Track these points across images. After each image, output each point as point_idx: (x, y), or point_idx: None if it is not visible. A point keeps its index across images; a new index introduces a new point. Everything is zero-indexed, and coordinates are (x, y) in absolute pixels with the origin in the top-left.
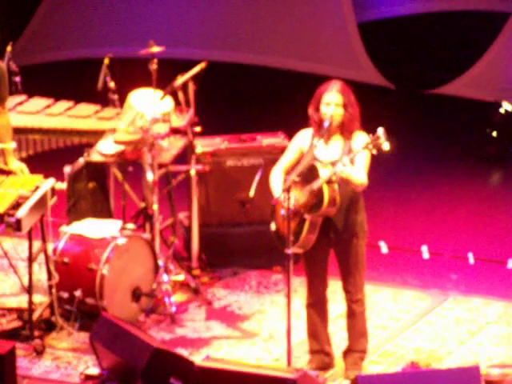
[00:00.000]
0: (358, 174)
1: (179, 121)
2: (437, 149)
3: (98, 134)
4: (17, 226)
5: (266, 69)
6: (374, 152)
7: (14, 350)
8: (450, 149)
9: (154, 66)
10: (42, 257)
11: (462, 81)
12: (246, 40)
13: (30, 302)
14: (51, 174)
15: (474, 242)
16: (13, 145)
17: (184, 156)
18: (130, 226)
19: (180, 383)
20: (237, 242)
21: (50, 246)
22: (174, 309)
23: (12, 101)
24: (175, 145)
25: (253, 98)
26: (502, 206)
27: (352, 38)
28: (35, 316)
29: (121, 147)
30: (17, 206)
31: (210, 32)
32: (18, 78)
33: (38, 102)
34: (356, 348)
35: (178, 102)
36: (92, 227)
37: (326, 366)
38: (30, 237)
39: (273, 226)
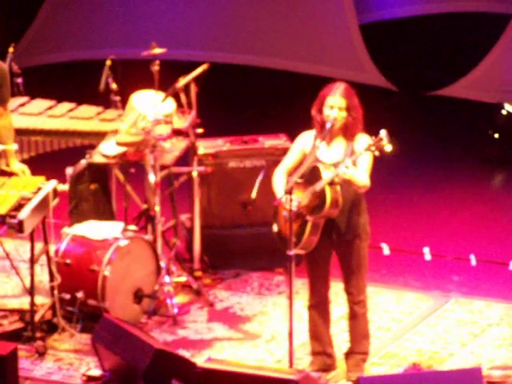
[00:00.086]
0: (361, 175)
1: (181, 122)
2: (439, 150)
3: (100, 136)
4: (19, 227)
5: (268, 70)
6: (377, 154)
7: (16, 352)
8: (451, 150)
9: (155, 68)
10: (43, 258)
11: (464, 82)
12: (248, 42)
13: (32, 304)
14: (53, 176)
15: (475, 244)
16: (14, 146)
17: (186, 157)
18: (132, 227)
19: None
20: (239, 244)
21: (52, 248)
22: (175, 310)
23: (14, 102)
24: (177, 146)
25: (255, 100)
26: (504, 208)
27: (354, 39)
28: (37, 317)
29: (123, 149)
30: (19, 207)
31: (212, 33)
32: (20, 80)
33: (40, 104)
34: (358, 350)
35: (179, 104)
36: (94, 229)
37: (328, 368)
38: (32, 238)
39: (275, 228)
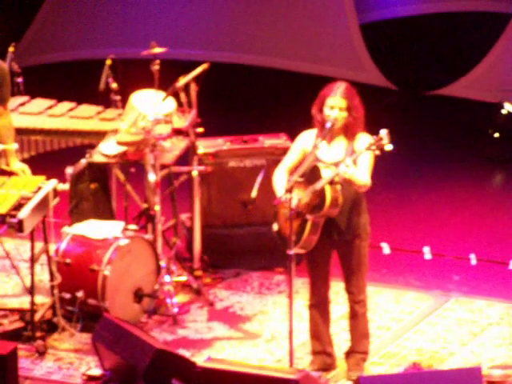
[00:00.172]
0: (361, 175)
1: (181, 122)
2: (439, 150)
3: (100, 135)
4: (19, 226)
5: (268, 70)
6: (377, 153)
7: (16, 351)
8: (451, 150)
9: (156, 67)
10: (44, 258)
11: (464, 82)
12: (249, 41)
13: (32, 303)
14: (53, 175)
15: (476, 243)
16: (15, 146)
17: (186, 157)
18: (132, 226)
19: None
20: (239, 243)
21: (52, 247)
22: (176, 310)
23: (14, 102)
24: (177, 146)
25: (255, 99)
26: (505, 207)
27: (354, 39)
28: (37, 317)
29: (123, 148)
30: (19, 206)
31: (212, 33)
32: (20, 79)
33: (40, 103)
34: (358, 349)
35: (180, 103)
36: (94, 228)
37: (328, 367)
38: (32, 238)
39: (275, 227)
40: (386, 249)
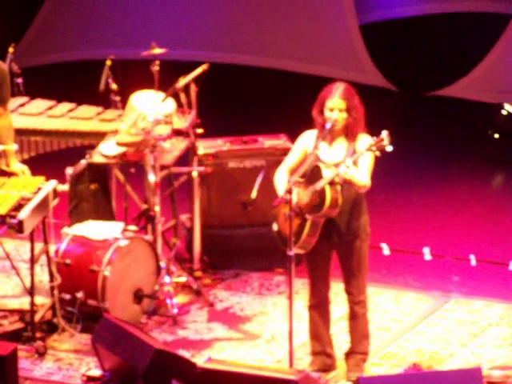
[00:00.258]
0: (361, 175)
1: (181, 122)
2: (438, 150)
3: (100, 136)
4: (19, 227)
5: (268, 70)
6: (378, 154)
7: (16, 352)
8: (451, 151)
9: (155, 68)
10: (43, 258)
11: (464, 83)
12: (248, 42)
13: (32, 304)
14: (53, 176)
15: (475, 244)
16: (14, 146)
17: (186, 158)
18: (132, 227)
19: None
20: (239, 244)
21: (52, 248)
22: (175, 310)
23: (14, 102)
24: (177, 146)
25: (255, 100)
26: (504, 208)
27: (354, 39)
28: (37, 317)
29: (123, 149)
30: (19, 207)
31: (212, 34)
32: (20, 80)
33: (40, 104)
34: (358, 350)
35: (179, 104)
36: (94, 229)
37: (328, 368)
38: (31, 238)
39: (275, 227)
40: (385, 249)
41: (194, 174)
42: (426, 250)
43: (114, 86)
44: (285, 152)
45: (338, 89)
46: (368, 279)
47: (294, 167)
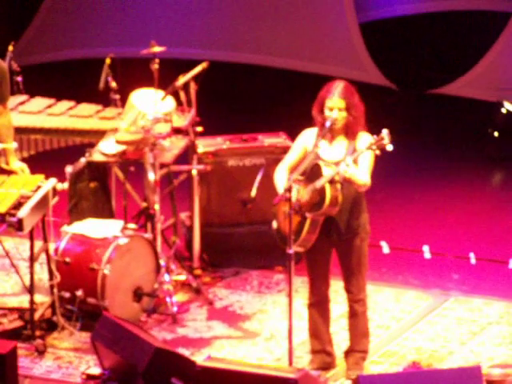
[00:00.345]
0: (361, 174)
1: (181, 121)
2: (438, 149)
3: (100, 134)
4: (18, 225)
5: (268, 69)
6: (378, 153)
7: (16, 350)
8: (451, 149)
9: (155, 66)
10: (43, 256)
11: (464, 81)
12: (248, 40)
13: (32, 302)
14: (53, 174)
15: (475, 242)
16: (14, 145)
17: (186, 156)
18: (132, 225)
19: (181, 383)
20: (238, 242)
21: (52, 246)
22: (175, 309)
23: (14, 100)
24: (177, 145)
25: (254, 98)
26: (504, 206)
27: (354, 38)
28: (37, 316)
29: (122, 147)
30: (18, 205)
31: (212, 32)
32: (19, 78)
33: (40, 102)
34: (358, 348)
35: (179, 102)
36: (93, 227)
37: (328, 366)
38: (31, 237)
39: (274, 224)
40: (385, 248)
41: (194, 172)
42: (426, 249)
43: (113, 84)
44: (284, 150)
45: (338, 88)
46: (368, 277)
47: (294, 165)
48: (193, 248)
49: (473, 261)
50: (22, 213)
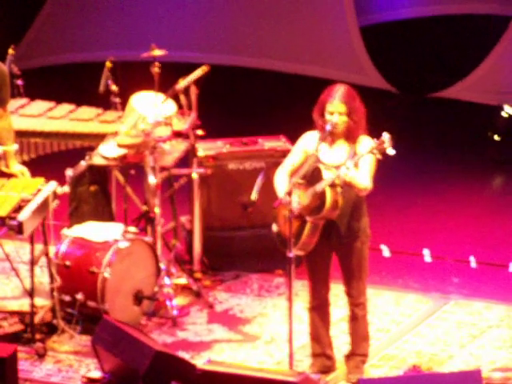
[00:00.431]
0: (362, 178)
1: (181, 124)
2: (439, 152)
3: (100, 137)
4: (19, 229)
5: (268, 72)
6: (379, 156)
7: (16, 353)
8: (451, 152)
9: (156, 70)
10: (43, 260)
11: (464, 84)
12: (248, 44)
13: (32, 305)
14: (53, 177)
15: (475, 246)
16: (15, 146)
17: (186, 159)
18: (132, 229)
19: None
20: (239, 246)
21: (52, 249)
22: (175, 312)
23: (14, 104)
24: (177, 148)
25: (255, 102)
26: (504, 210)
27: (354, 41)
28: (37, 319)
29: (123, 150)
30: (19, 209)
31: (212, 35)
32: (19, 81)
33: (40, 105)
34: (358, 352)
35: (180, 106)
36: (94, 230)
37: (328, 370)
38: (31, 240)
39: (274, 228)
40: (385, 251)
41: (194, 175)
42: (426, 252)
43: (113, 88)
44: (284, 153)
45: (339, 92)
46: (368, 281)
47: (295, 169)
48: (193, 251)
49: (473, 264)
50: (23, 216)
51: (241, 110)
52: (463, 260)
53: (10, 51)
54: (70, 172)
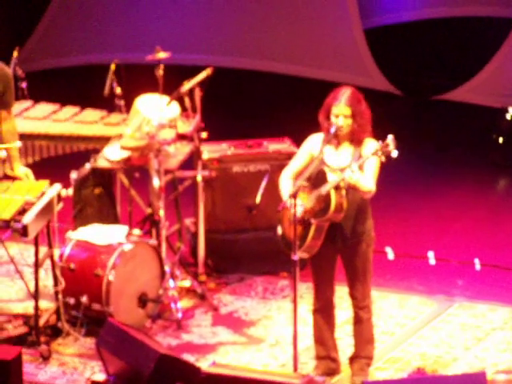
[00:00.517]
0: (366, 180)
1: (185, 127)
2: (443, 155)
3: (105, 140)
4: (23, 231)
5: (273, 75)
6: (383, 159)
7: (21, 356)
8: (456, 155)
9: (160, 72)
10: (48, 262)
11: (469, 87)
12: (253, 46)
13: (37, 308)
14: (57, 180)
15: (480, 248)
16: (18, 144)
17: (190, 162)
18: (137, 231)
19: None
20: (243, 248)
21: (57, 252)
22: (180, 315)
23: (18, 106)
24: (181, 151)
25: (259, 104)
26: (509, 212)
27: (358, 44)
28: (41, 322)
29: (127, 153)
30: (23, 211)
31: (217, 38)
32: (24, 84)
33: (45, 108)
34: (362, 354)
35: (184, 108)
36: (98, 233)
37: (333, 372)
38: (36, 242)
39: (279, 230)
40: (390, 254)
41: (199, 178)
42: (431, 255)
43: (118, 90)
44: (289, 156)
45: (344, 95)
46: (372, 283)
47: (299, 171)
48: (197, 254)
49: (477, 267)
50: (27, 219)
51: (245, 112)
52: (468, 262)
53: (15, 54)
54: (74, 175)
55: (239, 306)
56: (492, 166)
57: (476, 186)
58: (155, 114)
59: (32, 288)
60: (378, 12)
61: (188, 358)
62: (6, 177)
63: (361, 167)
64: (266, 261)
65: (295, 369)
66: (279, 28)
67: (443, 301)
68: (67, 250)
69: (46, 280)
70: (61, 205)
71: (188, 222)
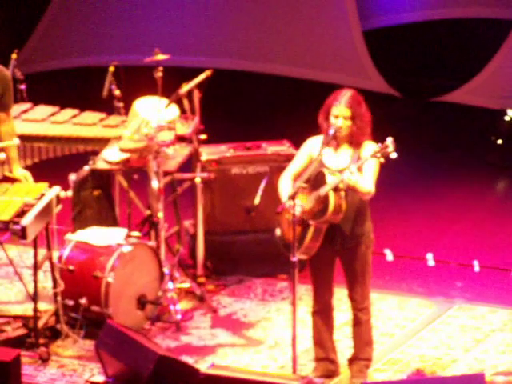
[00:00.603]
0: (365, 182)
1: (184, 128)
2: (441, 156)
3: (104, 142)
4: (22, 233)
5: (272, 76)
6: (382, 161)
7: (20, 358)
8: (454, 156)
9: (159, 74)
10: (47, 264)
11: (467, 89)
12: (252, 48)
13: (36, 310)
14: (56, 182)
15: (479, 250)
16: (16, 141)
17: (189, 164)
18: (136, 233)
19: None
20: (242, 250)
21: (56, 254)
22: (179, 316)
23: (17, 108)
24: (180, 152)
25: (258, 106)
26: (508, 214)
27: (357, 45)
28: (40, 324)
29: (126, 155)
30: (22, 213)
31: (216, 40)
32: (23, 86)
33: (43, 110)
34: (361, 356)
35: (183, 110)
36: (97, 235)
37: (331, 374)
38: (35, 244)
39: (278, 232)
40: (389, 256)
41: (198, 180)
42: (430, 256)
43: (117, 92)
44: (288, 158)
45: (345, 96)
46: (371, 285)
47: (299, 173)
48: (196, 256)
49: (476, 268)
50: (26, 221)
51: (244, 114)
52: (467, 264)
53: (14, 56)
54: (73, 176)
55: (238, 307)
56: (491, 167)
57: (475, 188)
58: (154, 116)
59: (31, 290)
60: (377, 13)
61: (187, 359)
62: (5, 179)
63: (360, 169)
64: (264, 263)
65: (294, 371)
66: (278, 30)
67: (442, 302)
68: (66, 252)
69: (45, 282)
70: (60, 207)
71: (187, 223)
